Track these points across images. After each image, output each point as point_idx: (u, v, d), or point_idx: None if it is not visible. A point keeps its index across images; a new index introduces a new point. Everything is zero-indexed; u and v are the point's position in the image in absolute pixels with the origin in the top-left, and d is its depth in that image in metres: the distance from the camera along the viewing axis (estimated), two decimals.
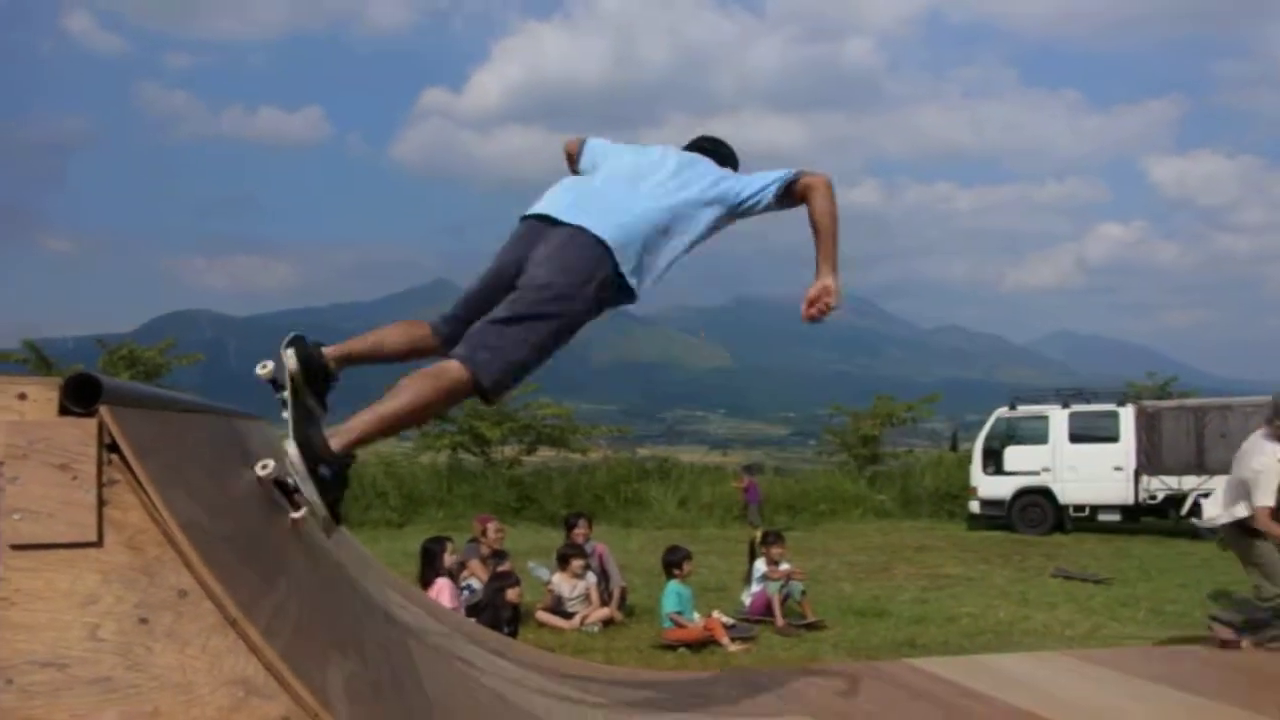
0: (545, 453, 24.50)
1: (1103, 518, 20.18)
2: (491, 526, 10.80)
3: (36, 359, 22.29)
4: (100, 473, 2.02)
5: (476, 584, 9.71)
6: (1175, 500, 19.63)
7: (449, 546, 9.69)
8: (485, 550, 10.46)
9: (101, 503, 2.01)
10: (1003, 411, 21.76)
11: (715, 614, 9.54)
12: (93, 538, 2.00)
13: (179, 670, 1.98)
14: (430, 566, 9.43)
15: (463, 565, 9.94)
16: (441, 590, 8.79)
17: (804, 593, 10.37)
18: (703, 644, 8.96)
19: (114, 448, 2.04)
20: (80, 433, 2.02)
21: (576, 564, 10.25)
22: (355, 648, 2.80)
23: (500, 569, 9.80)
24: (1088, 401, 21.44)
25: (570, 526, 11.31)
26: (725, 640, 8.99)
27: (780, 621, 9.88)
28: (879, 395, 28.15)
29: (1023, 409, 21.73)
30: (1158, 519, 20.11)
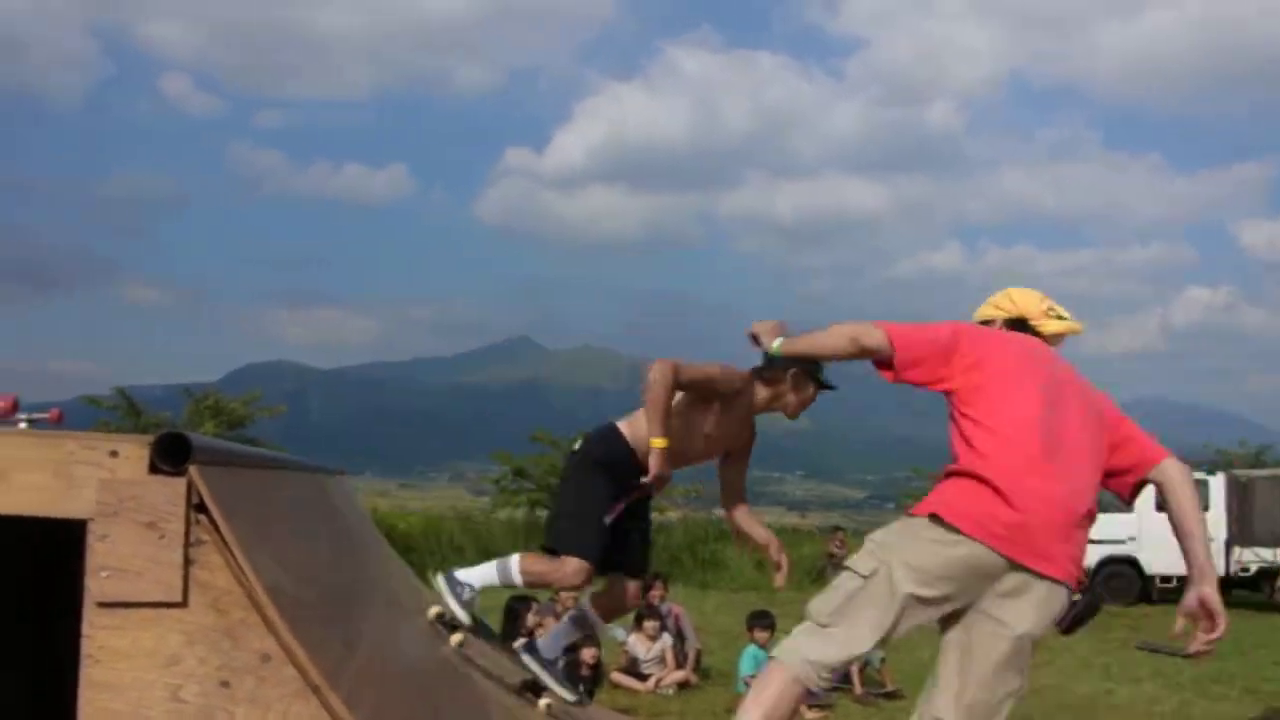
0: None
1: None
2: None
3: (126, 406, 22.76)
4: (188, 533, 2.03)
5: None
6: (1269, 573, 19.02)
7: (534, 606, 9.64)
8: (560, 610, 10.40)
9: (188, 563, 2.01)
10: None
11: None
12: (178, 598, 1.99)
13: None
14: (513, 626, 9.38)
15: (539, 625, 9.89)
16: None
17: (883, 660, 10.16)
18: None
19: (202, 508, 2.05)
20: (169, 492, 2.03)
21: (651, 625, 10.15)
22: (444, 715, 2.77)
23: None
24: None
25: (646, 587, 11.22)
26: (802, 707, 8.82)
27: (859, 689, 9.69)
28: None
29: None
30: (1250, 592, 19.49)
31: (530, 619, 9.47)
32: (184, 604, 2.02)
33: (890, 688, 9.82)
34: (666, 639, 10.21)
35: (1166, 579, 19.78)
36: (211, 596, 2.03)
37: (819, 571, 22.12)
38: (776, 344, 3.83)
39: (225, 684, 1.99)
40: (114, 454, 2.08)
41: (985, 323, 4.04)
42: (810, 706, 8.89)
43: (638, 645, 10.07)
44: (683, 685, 9.88)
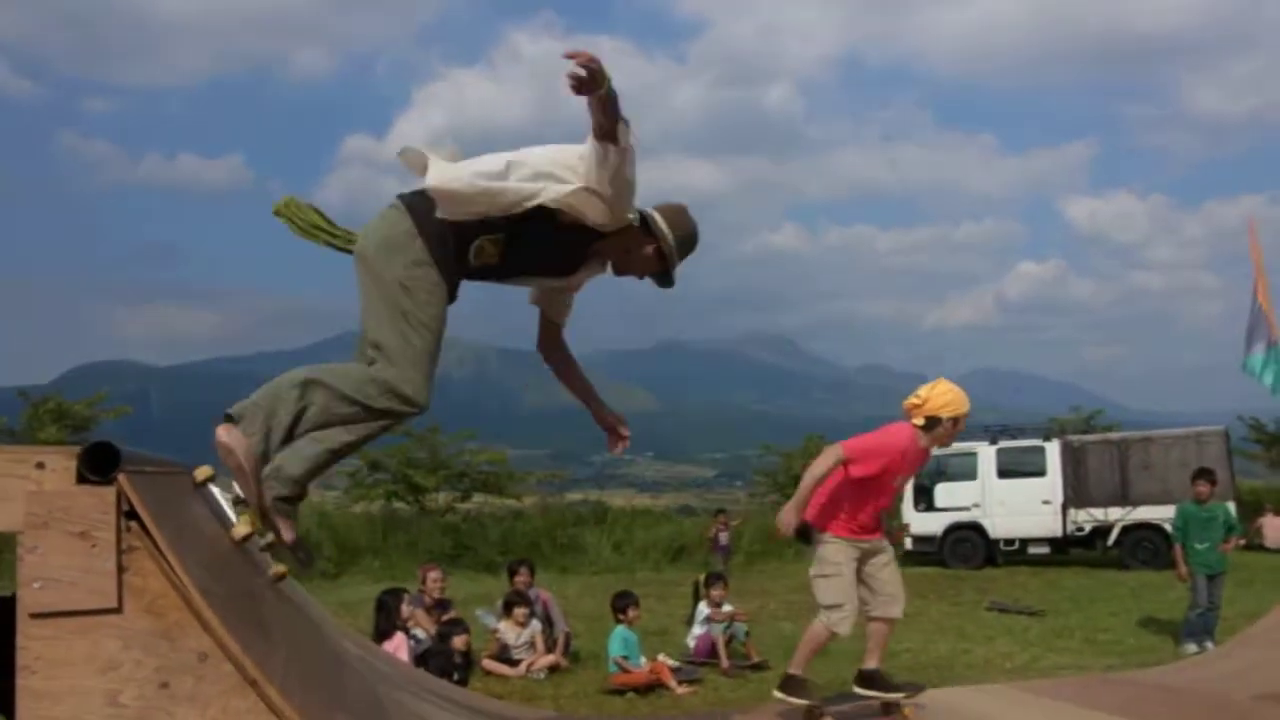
0: (479, 499, 24.36)
1: (1032, 550, 20.56)
2: (431, 576, 10.78)
3: None
4: (119, 540, 2.07)
5: (422, 634, 9.66)
6: (1102, 531, 20.08)
7: (405, 597, 9.61)
8: (428, 600, 10.43)
9: (121, 569, 2.05)
10: (934, 450, 22.07)
11: (661, 657, 9.59)
12: (113, 604, 2.04)
13: None
14: (384, 618, 9.34)
15: (410, 617, 9.90)
16: (399, 646, 8.73)
17: (748, 634, 10.46)
18: (650, 688, 8.99)
19: (132, 514, 2.09)
20: (99, 501, 2.07)
21: (520, 611, 10.22)
22: (347, 702, 2.85)
23: (446, 617, 9.77)
24: (1014, 438, 21.87)
25: (513, 573, 11.31)
26: (672, 683, 9.03)
27: (725, 663, 9.93)
28: (809, 435, 28.42)
29: (951, 446, 22.05)
30: (1086, 550, 20.55)
31: (404, 609, 9.48)
32: (119, 609, 2.06)
33: (755, 659, 10.09)
34: (536, 625, 10.30)
35: (1010, 542, 20.72)
36: (146, 601, 2.08)
37: (675, 552, 22.50)
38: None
39: (164, 685, 2.04)
40: (40, 465, 2.11)
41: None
42: (681, 682, 9.10)
43: (508, 632, 10.14)
44: (553, 669, 9.96)
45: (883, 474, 6.22)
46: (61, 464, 2.12)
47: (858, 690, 6.55)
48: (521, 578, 11.04)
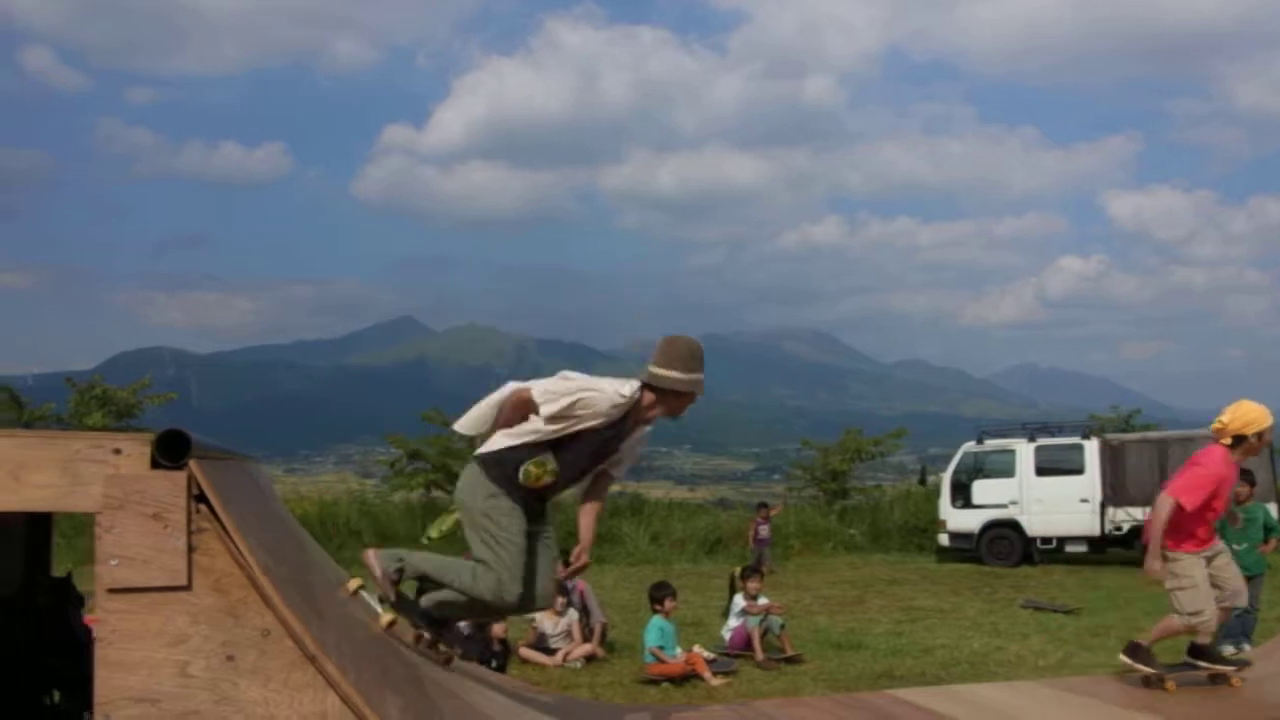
0: None
1: (1070, 549, 20.44)
2: None
3: (7, 399, 22.17)
4: (189, 522, 2.21)
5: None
6: (1140, 531, 19.97)
7: None
8: None
9: (191, 549, 2.19)
10: (970, 445, 22.01)
11: (696, 648, 9.70)
12: (183, 582, 2.18)
13: (263, 704, 2.17)
14: None
15: None
16: None
17: (783, 627, 10.53)
18: (685, 678, 9.11)
19: (202, 498, 2.23)
20: (171, 485, 2.21)
21: (559, 601, 10.35)
22: (393, 681, 2.98)
23: None
24: (1053, 435, 21.73)
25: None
26: (707, 674, 9.14)
27: (760, 655, 10.03)
28: (848, 430, 28.31)
29: (990, 443, 21.99)
30: (1124, 550, 20.42)
31: None
32: (188, 587, 2.20)
33: (790, 653, 10.19)
34: (572, 614, 10.43)
35: (1046, 540, 20.61)
36: (213, 579, 2.22)
37: (712, 544, 22.52)
38: None
39: (230, 658, 2.18)
40: (118, 451, 2.25)
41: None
42: (716, 674, 9.22)
43: (545, 621, 10.27)
44: (590, 658, 10.10)
45: (1212, 498, 6.89)
46: (137, 449, 2.26)
47: (1189, 660, 7.23)
48: (560, 568, 11.17)
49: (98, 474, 2.22)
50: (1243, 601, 7.38)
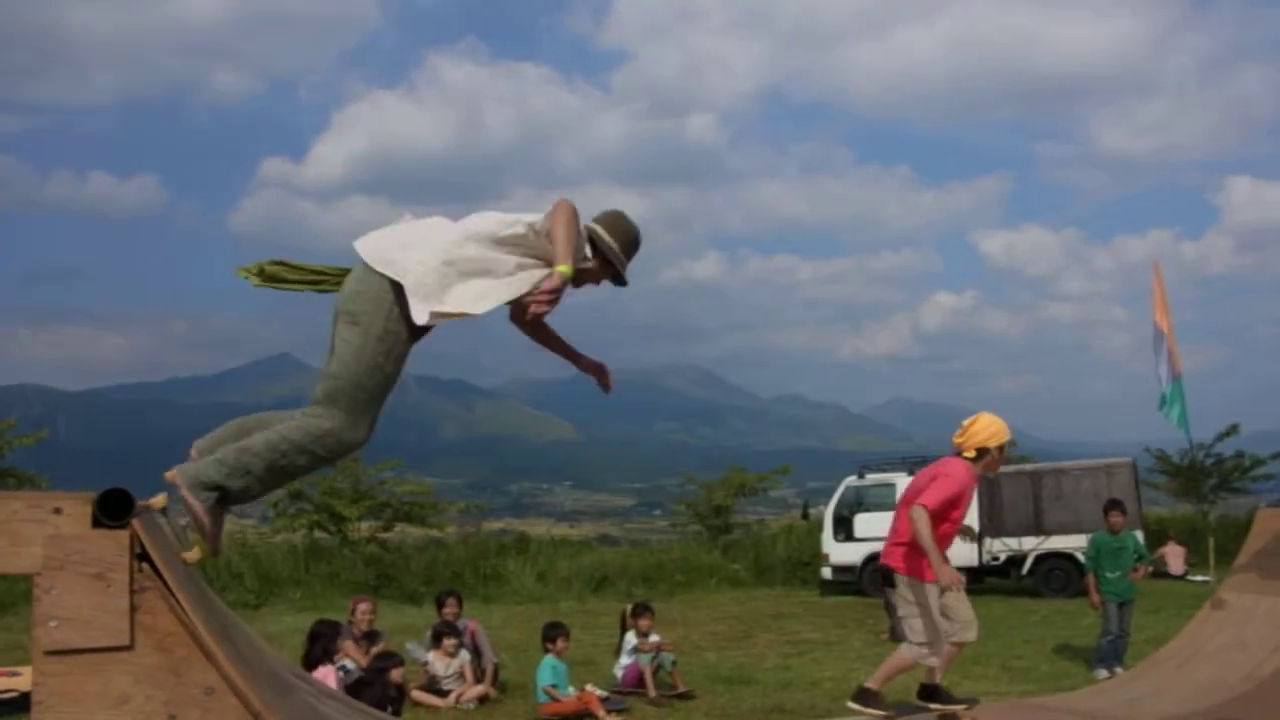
0: (400, 529, 24.22)
1: None
2: (361, 607, 10.79)
3: None
4: (132, 581, 2.20)
5: (351, 664, 9.70)
6: (1016, 561, 20.59)
7: (341, 630, 9.65)
8: (357, 631, 10.45)
9: (133, 608, 2.19)
10: (851, 480, 22.44)
11: (589, 687, 9.74)
12: (126, 641, 2.17)
13: None
14: (323, 649, 9.40)
15: (339, 649, 9.93)
16: (327, 675, 8.78)
17: (675, 663, 10.62)
18: (579, 717, 9.15)
19: (144, 556, 2.23)
20: (115, 544, 2.21)
21: (450, 642, 10.30)
22: None
23: (379, 649, 9.83)
24: None
25: (441, 604, 11.36)
26: (601, 713, 9.19)
27: (653, 692, 10.10)
28: (731, 466, 28.65)
29: (870, 477, 22.44)
30: (1000, 579, 21.02)
31: (336, 641, 9.52)
32: (131, 647, 2.19)
33: (682, 689, 10.27)
34: (464, 655, 10.38)
35: None
36: (156, 638, 2.22)
37: (599, 582, 22.54)
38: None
39: (172, 718, 2.18)
40: (58, 511, 2.24)
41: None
42: (610, 712, 9.26)
43: (437, 662, 10.21)
44: (483, 699, 10.06)
45: (956, 512, 7.19)
46: (78, 509, 2.25)
47: (920, 703, 7.43)
48: (450, 608, 11.10)
49: (36, 534, 2.21)
50: (972, 635, 7.66)
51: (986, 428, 7.28)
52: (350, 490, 22.27)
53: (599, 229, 4.50)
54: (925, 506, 6.94)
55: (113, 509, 2.25)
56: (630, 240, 4.59)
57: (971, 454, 7.24)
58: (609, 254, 4.47)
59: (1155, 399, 16.32)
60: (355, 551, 22.25)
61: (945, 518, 7.09)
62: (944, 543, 7.16)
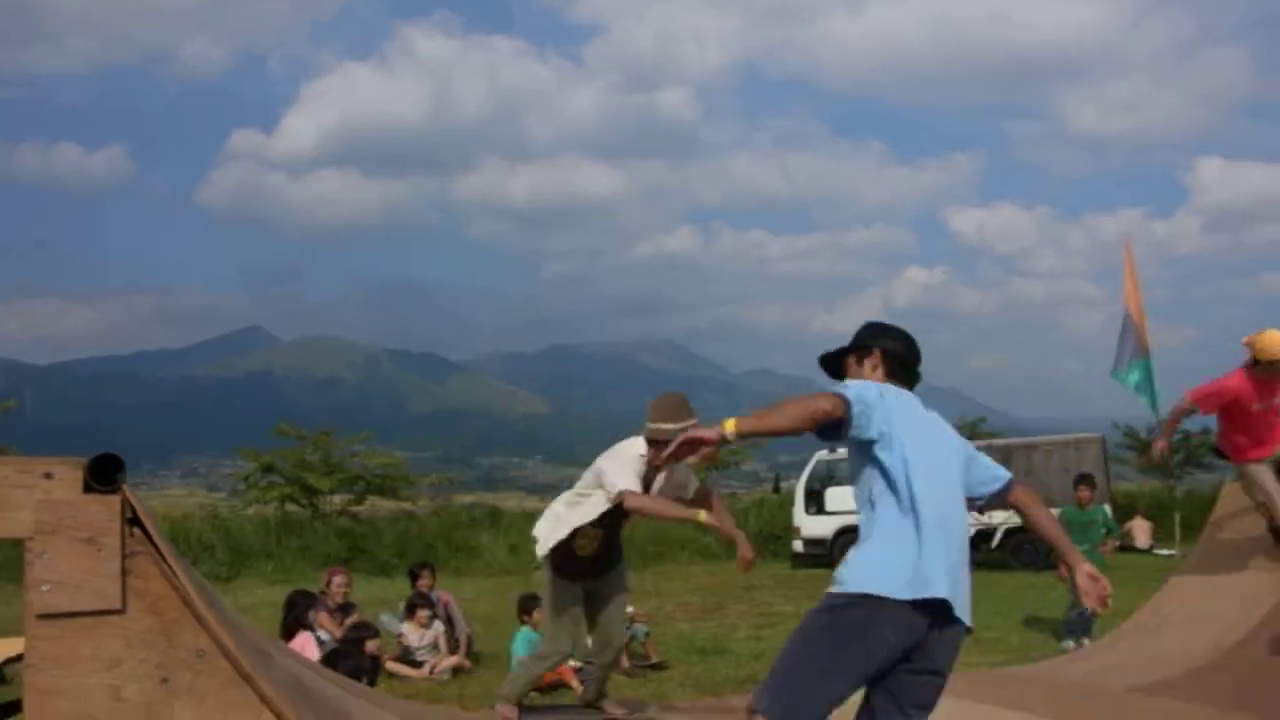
0: (372, 502, 24.25)
1: None
2: (336, 580, 10.80)
3: None
4: (124, 545, 2.22)
5: (325, 635, 9.72)
6: (986, 535, 20.78)
7: (316, 600, 9.67)
8: (331, 603, 10.47)
9: (125, 573, 2.21)
10: (823, 454, 22.53)
11: None
12: (117, 605, 2.19)
13: None
14: (297, 619, 9.43)
15: (316, 619, 9.95)
16: (306, 643, 8.80)
17: (648, 634, 10.67)
18: (552, 687, 9.19)
19: (135, 521, 2.24)
20: (106, 509, 2.22)
21: (423, 614, 10.33)
22: (309, 698, 3.01)
23: (354, 620, 9.86)
24: None
25: (415, 576, 11.40)
26: (574, 683, 9.22)
27: (626, 663, 10.12)
28: None
29: (842, 451, 22.54)
30: (971, 553, 21.20)
31: (311, 614, 9.54)
32: (123, 610, 2.21)
33: (655, 659, 10.33)
34: (438, 626, 10.41)
35: None
36: (148, 602, 2.24)
37: None
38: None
39: (165, 680, 2.20)
40: (49, 476, 2.25)
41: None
42: (583, 681, 9.30)
43: (411, 633, 10.24)
44: (456, 670, 10.09)
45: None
46: (69, 474, 2.27)
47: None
48: (424, 580, 11.13)
49: (27, 499, 2.22)
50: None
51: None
52: (321, 463, 22.27)
53: (652, 427, 5.94)
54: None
55: (104, 474, 2.27)
56: (673, 410, 6.15)
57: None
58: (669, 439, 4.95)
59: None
60: (327, 524, 22.24)
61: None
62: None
